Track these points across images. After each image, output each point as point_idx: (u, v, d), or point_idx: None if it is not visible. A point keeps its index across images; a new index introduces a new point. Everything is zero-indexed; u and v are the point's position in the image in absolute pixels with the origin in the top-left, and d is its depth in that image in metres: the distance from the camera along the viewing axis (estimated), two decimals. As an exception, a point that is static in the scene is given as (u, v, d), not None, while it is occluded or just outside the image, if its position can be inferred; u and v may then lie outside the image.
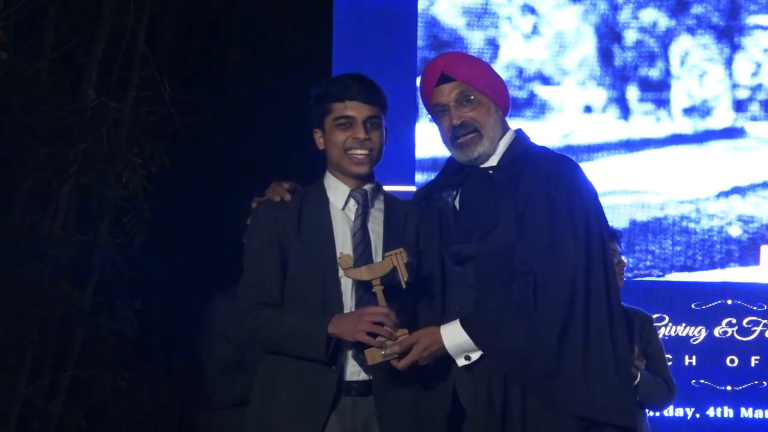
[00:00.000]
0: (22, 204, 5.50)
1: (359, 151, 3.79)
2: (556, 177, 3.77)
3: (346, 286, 3.73)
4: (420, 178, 6.28)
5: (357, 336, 3.60)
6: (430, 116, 3.99)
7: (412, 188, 6.15)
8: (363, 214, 3.81)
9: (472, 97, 3.84)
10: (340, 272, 3.71)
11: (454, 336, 3.68)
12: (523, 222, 3.73)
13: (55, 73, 5.60)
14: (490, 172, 3.86)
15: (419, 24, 6.49)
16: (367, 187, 3.84)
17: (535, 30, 6.50)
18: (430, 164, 6.27)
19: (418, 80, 6.35)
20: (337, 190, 3.82)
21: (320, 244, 3.76)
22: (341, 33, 6.42)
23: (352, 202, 3.82)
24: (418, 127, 6.40)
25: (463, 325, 3.68)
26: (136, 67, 5.82)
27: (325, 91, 3.82)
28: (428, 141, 6.37)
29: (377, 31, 6.40)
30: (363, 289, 3.71)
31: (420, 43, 6.48)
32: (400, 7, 6.48)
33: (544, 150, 3.92)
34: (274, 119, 6.82)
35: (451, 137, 3.87)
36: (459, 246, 3.82)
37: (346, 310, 3.72)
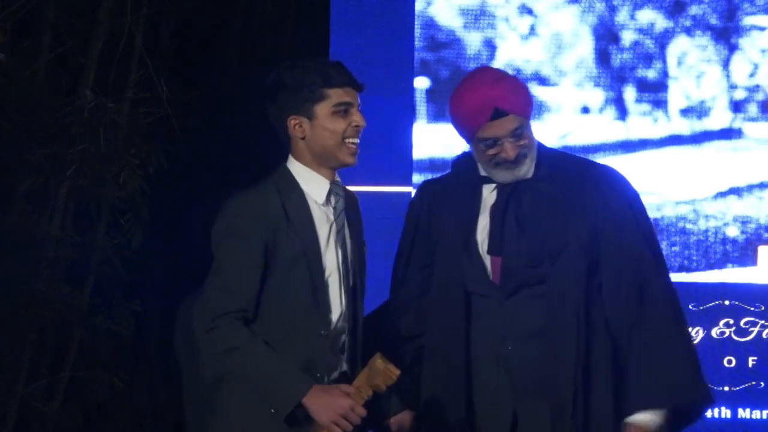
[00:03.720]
0: (20, 205, 5.50)
1: (355, 140, 3.63)
2: (628, 203, 3.79)
3: (333, 288, 3.62)
4: (417, 179, 6.26)
5: (327, 426, 3.46)
6: (466, 140, 3.80)
7: (409, 189, 6.15)
8: (345, 210, 3.66)
9: (524, 130, 3.70)
10: (327, 274, 3.59)
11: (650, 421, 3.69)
12: (611, 262, 3.70)
13: (52, 74, 5.60)
14: (537, 184, 3.75)
15: (416, 25, 6.49)
16: (338, 179, 3.69)
17: (532, 31, 6.50)
18: (428, 165, 6.26)
19: (417, 81, 6.38)
20: (314, 183, 3.63)
21: (307, 244, 3.59)
22: (338, 34, 6.41)
23: (333, 196, 3.66)
24: (415, 128, 6.40)
25: (648, 406, 3.68)
26: (133, 68, 5.82)
27: (317, 75, 3.62)
28: (425, 142, 6.37)
29: (374, 32, 6.39)
30: (350, 297, 3.64)
31: (417, 43, 6.48)
32: (397, 8, 6.48)
33: (578, 158, 3.92)
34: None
35: (495, 163, 3.72)
36: (530, 269, 3.69)
37: (334, 314, 3.61)
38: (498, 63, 6.41)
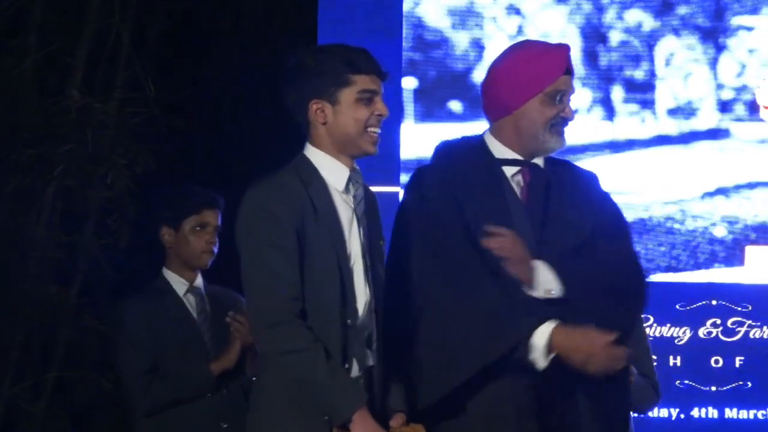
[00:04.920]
0: (7, 205, 5.49)
1: (377, 129, 3.58)
2: (612, 206, 3.88)
3: (358, 277, 3.56)
4: (405, 179, 6.27)
5: None
6: (515, 104, 3.78)
7: (397, 189, 6.16)
8: (364, 199, 3.60)
9: None
10: (351, 262, 3.52)
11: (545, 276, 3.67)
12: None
13: (39, 74, 5.59)
14: (554, 176, 3.82)
15: (404, 24, 6.49)
16: (357, 167, 3.62)
17: (520, 31, 6.50)
18: (415, 165, 6.20)
19: (405, 80, 6.37)
20: (334, 171, 3.55)
21: (333, 233, 3.51)
22: (326, 34, 6.41)
23: (352, 185, 3.58)
24: (403, 128, 6.40)
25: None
26: (120, 68, 5.81)
27: (342, 60, 3.54)
28: (413, 142, 6.37)
29: (362, 32, 6.39)
30: (372, 286, 3.59)
31: (405, 43, 6.48)
32: (384, 8, 6.48)
33: (558, 158, 3.94)
34: (261, 120, 6.82)
35: (552, 125, 3.76)
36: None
37: (360, 304, 3.54)
38: (486, 63, 6.40)
